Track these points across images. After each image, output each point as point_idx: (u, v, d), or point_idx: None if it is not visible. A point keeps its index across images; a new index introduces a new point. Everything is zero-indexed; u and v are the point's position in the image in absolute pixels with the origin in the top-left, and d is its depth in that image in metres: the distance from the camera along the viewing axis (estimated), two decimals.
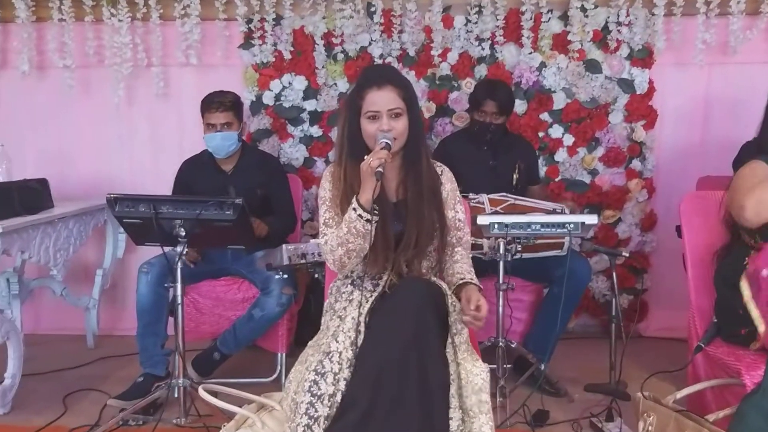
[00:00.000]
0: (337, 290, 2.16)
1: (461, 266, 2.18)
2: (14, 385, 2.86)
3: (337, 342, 1.92)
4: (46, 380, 3.22)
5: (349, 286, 2.13)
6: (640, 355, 3.38)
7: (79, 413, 2.83)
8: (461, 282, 2.11)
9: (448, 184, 2.23)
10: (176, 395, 2.67)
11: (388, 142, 2.00)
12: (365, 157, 1.97)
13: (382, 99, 2.05)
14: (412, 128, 2.10)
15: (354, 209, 1.96)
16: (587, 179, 3.83)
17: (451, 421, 1.84)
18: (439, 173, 2.23)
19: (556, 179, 3.81)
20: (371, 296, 2.05)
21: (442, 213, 2.17)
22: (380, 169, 1.92)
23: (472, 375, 1.88)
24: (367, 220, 1.95)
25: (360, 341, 1.92)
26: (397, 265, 2.09)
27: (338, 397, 1.82)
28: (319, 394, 1.82)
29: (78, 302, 3.70)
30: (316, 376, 1.84)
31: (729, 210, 2.31)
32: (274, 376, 3.13)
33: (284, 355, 3.13)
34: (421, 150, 2.14)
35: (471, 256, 2.27)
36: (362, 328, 1.94)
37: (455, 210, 2.21)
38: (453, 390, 1.87)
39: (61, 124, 3.94)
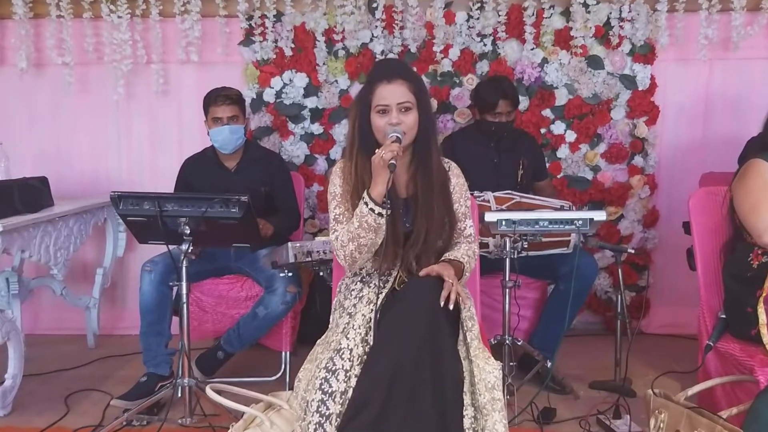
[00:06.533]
0: (346, 288, 2.14)
1: (455, 253, 2.13)
2: (15, 386, 2.83)
3: (347, 339, 1.90)
4: (47, 381, 3.19)
5: (358, 283, 2.12)
6: (643, 351, 3.38)
7: (82, 414, 2.81)
8: (442, 260, 2.08)
9: (454, 179, 2.22)
10: (179, 395, 2.65)
11: (399, 135, 2.00)
12: (376, 150, 1.96)
13: (391, 93, 2.03)
14: (423, 123, 2.08)
15: (365, 203, 1.95)
16: (589, 175, 3.82)
17: (463, 419, 1.83)
18: (447, 169, 2.22)
19: (559, 176, 3.80)
20: (381, 293, 2.02)
21: (451, 209, 2.16)
22: (393, 161, 1.91)
23: (484, 372, 1.87)
24: (379, 214, 1.93)
25: (370, 338, 1.90)
26: (407, 262, 2.07)
27: (350, 394, 1.81)
28: (330, 391, 1.81)
29: (78, 302, 3.67)
30: (327, 374, 1.83)
31: (737, 212, 2.32)
32: (279, 374, 3.11)
33: (288, 353, 3.12)
34: (432, 145, 2.13)
35: (478, 254, 2.26)
36: (372, 325, 1.92)
37: (459, 203, 2.19)
38: (465, 387, 1.87)
39: (59, 122, 3.91)
